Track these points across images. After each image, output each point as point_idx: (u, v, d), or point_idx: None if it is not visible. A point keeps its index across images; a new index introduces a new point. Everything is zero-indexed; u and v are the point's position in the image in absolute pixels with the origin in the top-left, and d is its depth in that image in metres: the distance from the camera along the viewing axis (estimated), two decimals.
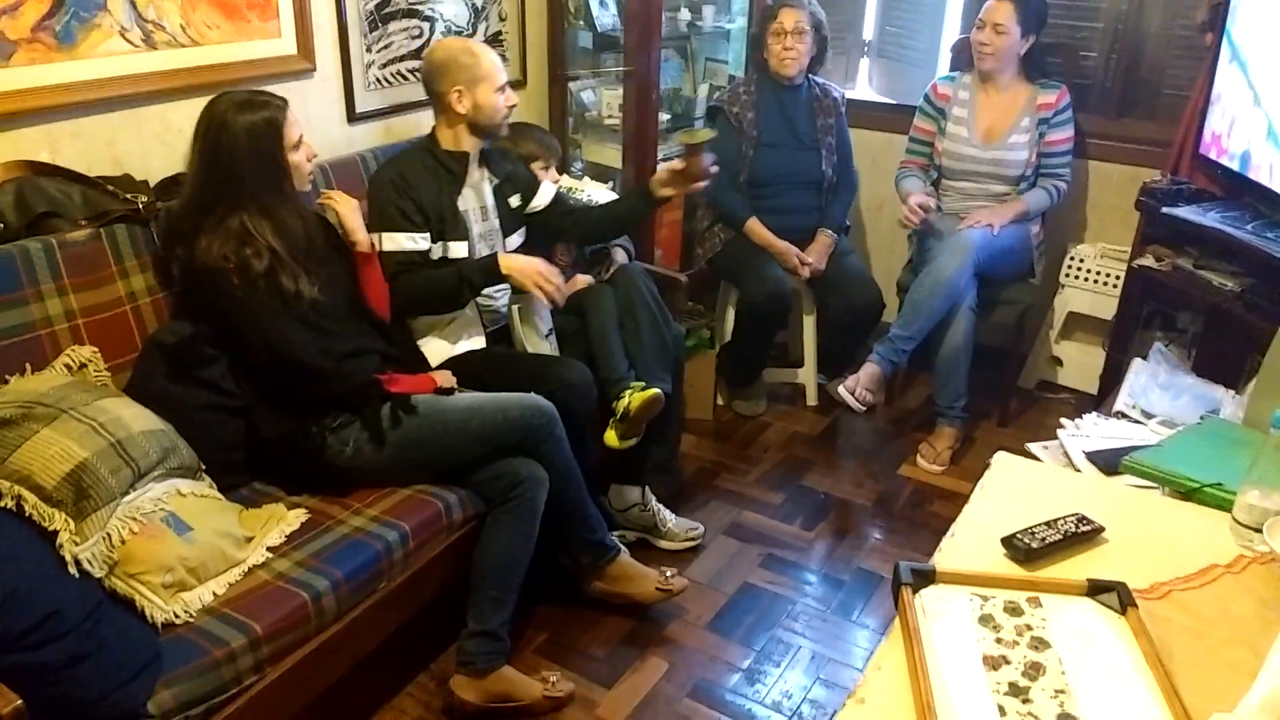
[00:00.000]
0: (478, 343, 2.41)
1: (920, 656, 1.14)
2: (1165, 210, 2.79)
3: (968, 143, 3.15)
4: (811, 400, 3.44)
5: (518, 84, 3.22)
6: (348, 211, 2.23)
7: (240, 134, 1.94)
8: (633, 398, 2.35)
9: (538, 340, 2.43)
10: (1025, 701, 1.09)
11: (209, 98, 2.02)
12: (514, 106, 2.44)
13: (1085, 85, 3.34)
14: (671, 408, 2.51)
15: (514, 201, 2.53)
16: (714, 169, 2.49)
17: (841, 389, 3.00)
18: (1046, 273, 3.33)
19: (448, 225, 2.36)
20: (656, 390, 2.37)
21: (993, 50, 3.04)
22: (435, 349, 2.39)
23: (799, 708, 2.16)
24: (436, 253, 2.37)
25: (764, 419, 3.36)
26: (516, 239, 2.54)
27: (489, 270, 2.33)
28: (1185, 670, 1.15)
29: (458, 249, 2.37)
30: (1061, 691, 1.10)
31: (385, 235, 2.32)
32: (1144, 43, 3.25)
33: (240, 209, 1.95)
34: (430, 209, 2.34)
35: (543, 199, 2.59)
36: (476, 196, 2.45)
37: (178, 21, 2.24)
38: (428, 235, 2.34)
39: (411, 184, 2.33)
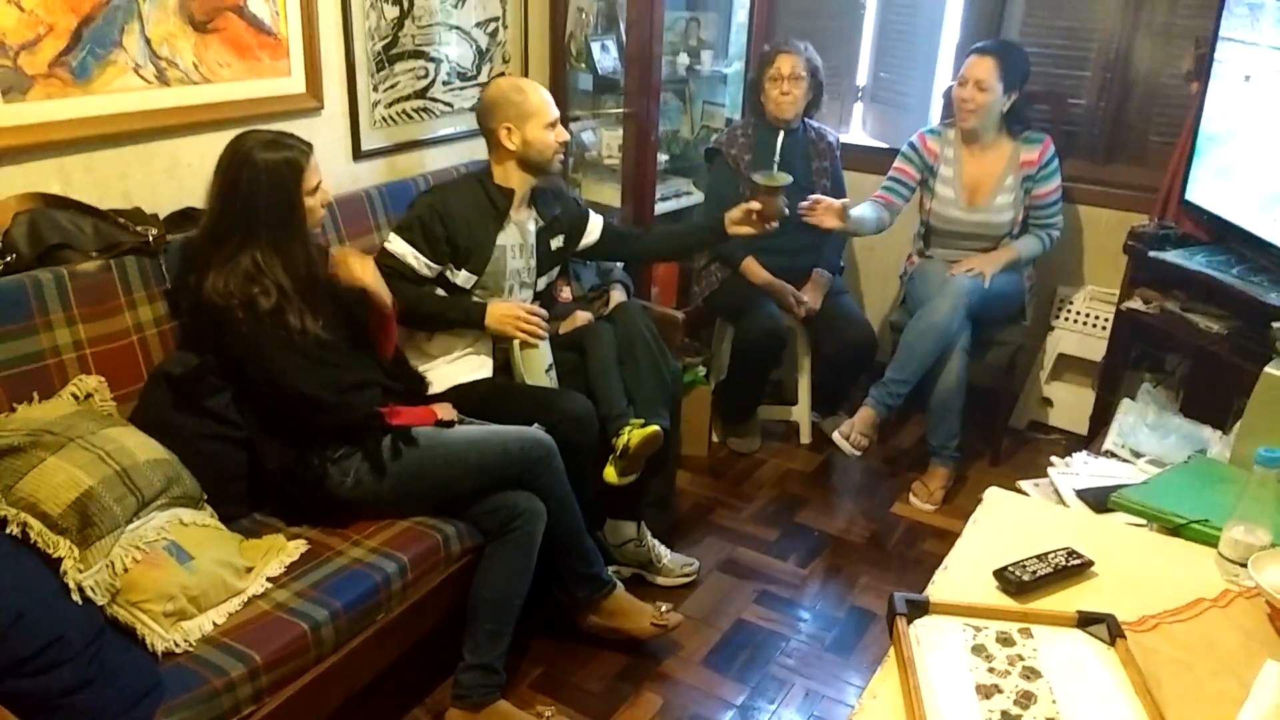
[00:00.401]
0: (485, 372, 2.45)
1: (914, 685, 1.16)
2: (1153, 254, 2.84)
3: (954, 204, 3.16)
4: (806, 438, 3.47)
5: None
6: (369, 278, 2.19)
7: (261, 171, 1.97)
8: (632, 435, 2.38)
9: (539, 375, 2.46)
10: None
11: (219, 134, 2.06)
12: (566, 143, 2.49)
13: (1074, 131, 3.41)
14: (669, 443, 2.54)
15: (555, 243, 2.58)
16: (786, 212, 2.59)
17: (836, 435, 3.02)
18: (1037, 314, 3.37)
19: (474, 256, 2.41)
20: (656, 427, 2.40)
21: (974, 107, 3.02)
22: (442, 375, 2.42)
23: None
24: (443, 273, 2.41)
25: (759, 456, 3.39)
26: (545, 281, 2.61)
27: (471, 319, 2.38)
28: (1173, 700, 1.18)
29: (464, 278, 2.42)
30: (1052, 719, 1.13)
31: (397, 240, 2.37)
32: (1131, 90, 3.33)
33: (253, 245, 1.98)
34: (462, 239, 2.39)
35: (592, 236, 2.67)
36: (519, 233, 2.49)
37: (190, 59, 2.29)
38: (438, 269, 2.39)
39: (454, 215, 2.38)
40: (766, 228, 2.59)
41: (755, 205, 2.55)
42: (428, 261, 2.37)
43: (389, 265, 2.34)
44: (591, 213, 2.71)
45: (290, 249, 2.03)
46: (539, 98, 2.43)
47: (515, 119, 2.41)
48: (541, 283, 2.59)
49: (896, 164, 3.24)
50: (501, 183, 2.46)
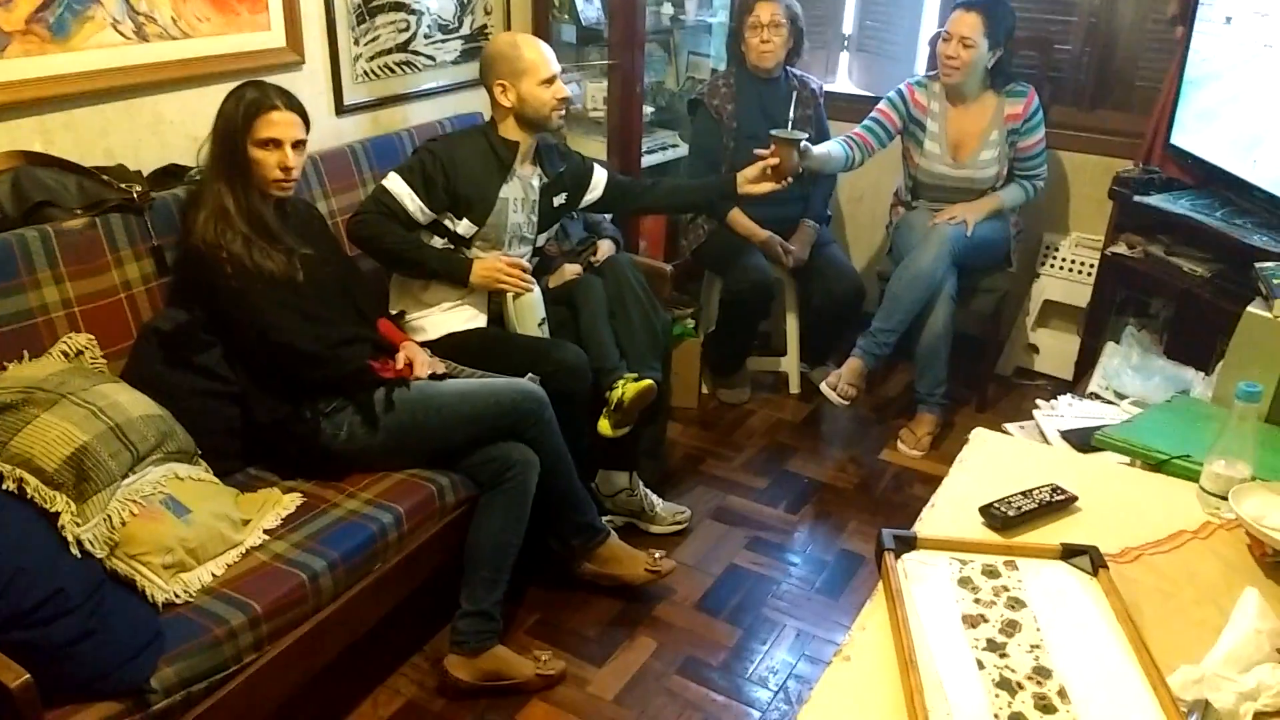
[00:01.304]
0: (479, 322, 2.46)
1: (902, 616, 1.19)
2: (1137, 199, 2.85)
3: (940, 160, 3.14)
4: (794, 388, 3.50)
5: None
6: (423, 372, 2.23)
7: (222, 110, 2.03)
8: (626, 388, 2.39)
9: (531, 326, 2.46)
10: (1002, 656, 1.14)
11: (201, 90, 2.06)
12: (565, 99, 2.45)
13: (1060, 78, 3.40)
14: (660, 395, 2.56)
15: (558, 200, 2.59)
16: (800, 169, 2.61)
17: (824, 385, 3.05)
18: (1023, 261, 3.39)
19: (476, 207, 2.40)
20: (650, 381, 2.42)
21: (959, 64, 2.95)
22: (436, 323, 2.43)
23: (785, 683, 2.21)
24: (440, 221, 2.41)
25: (748, 407, 3.42)
26: (545, 237, 2.63)
27: (454, 275, 2.38)
28: (1154, 627, 1.21)
29: (465, 228, 2.41)
30: (1036, 646, 1.16)
31: (396, 179, 2.35)
32: (1117, 36, 3.32)
33: (218, 181, 2.03)
34: (464, 189, 2.38)
35: (595, 192, 2.68)
36: (522, 188, 2.49)
37: (169, 14, 2.26)
38: (433, 216, 2.38)
39: (457, 164, 2.37)
40: (782, 183, 2.60)
41: (773, 160, 2.56)
42: (423, 206, 2.36)
43: (380, 204, 2.33)
44: (596, 167, 2.70)
45: (239, 194, 2.04)
46: (535, 54, 2.40)
47: (510, 75, 2.39)
48: (541, 239, 2.60)
49: (880, 107, 3.19)
50: (505, 136, 2.45)
